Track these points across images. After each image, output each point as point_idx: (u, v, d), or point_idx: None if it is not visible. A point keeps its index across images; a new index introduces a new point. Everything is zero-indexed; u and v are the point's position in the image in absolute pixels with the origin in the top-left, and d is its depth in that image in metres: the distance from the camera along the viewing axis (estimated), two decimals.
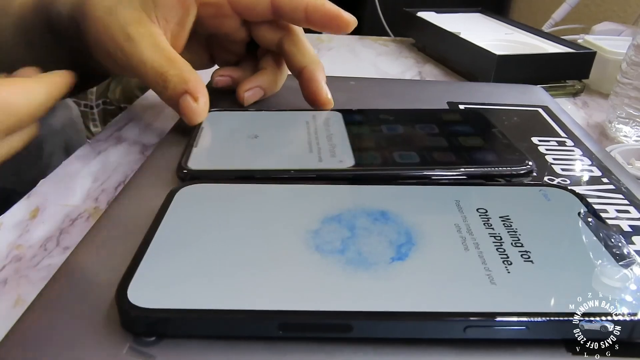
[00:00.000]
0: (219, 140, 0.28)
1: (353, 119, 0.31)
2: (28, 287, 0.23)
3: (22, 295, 0.23)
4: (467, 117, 0.32)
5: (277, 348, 0.16)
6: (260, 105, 0.35)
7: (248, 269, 0.18)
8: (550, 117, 0.35)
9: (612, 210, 0.24)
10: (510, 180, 0.26)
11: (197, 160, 0.26)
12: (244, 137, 0.28)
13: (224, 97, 0.36)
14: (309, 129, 0.29)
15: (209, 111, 0.30)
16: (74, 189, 0.31)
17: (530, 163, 0.26)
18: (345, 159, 0.26)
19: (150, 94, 0.46)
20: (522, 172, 0.26)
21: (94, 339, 0.16)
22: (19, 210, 0.29)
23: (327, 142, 0.28)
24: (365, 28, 1.32)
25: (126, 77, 1.39)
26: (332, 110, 0.32)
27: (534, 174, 0.26)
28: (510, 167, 0.26)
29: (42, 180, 0.32)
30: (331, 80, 0.42)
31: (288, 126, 0.30)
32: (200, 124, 0.29)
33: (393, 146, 0.28)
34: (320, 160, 0.26)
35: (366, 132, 0.29)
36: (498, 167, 0.26)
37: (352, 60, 0.62)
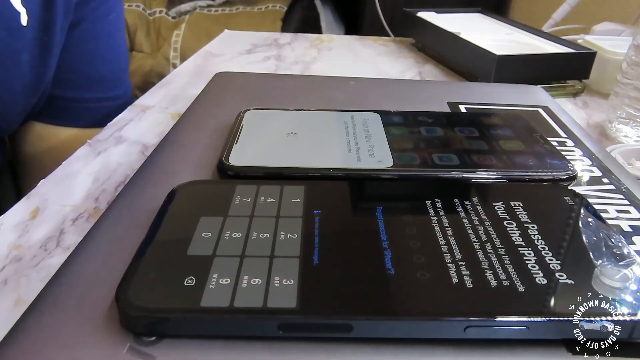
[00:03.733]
0: (259, 138, 0.28)
1: (391, 120, 0.31)
2: (28, 287, 0.23)
3: (22, 295, 0.23)
4: (508, 120, 0.32)
5: (277, 348, 0.16)
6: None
7: (246, 270, 0.18)
8: (551, 117, 0.35)
9: (613, 211, 0.24)
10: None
11: (238, 157, 0.26)
12: (283, 136, 0.29)
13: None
14: (347, 129, 0.30)
15: (249, 110, 0.31)
16: (74, 189, 0.31)
17: (573, 168, 0.26)
18: (384, 160, 0.26)
19: (151, 94, 0.46)
20: (564, 177, 0.26)
21: (94, 339, 0.16)
22: (19, 210, 0.29)
23: (366, 142, 0.28)
24: (365, 28, 1.32)
25: None
26: (370, 111, 0.32)
27: (576, 179, 0.26)
28: (552, 172, 0.26)
29: (42, 180, 0.32)
30: (331, 80, 0.42)
31: (326, 126, 0.30)
32: (241, 122, 0.30)
33: (432, 148, 0.28)
34: (359, 160, 0.26)
35: (405, 134, 0.29)
36: (539, 172, 0.26)
37: (352, 60, 0.62)
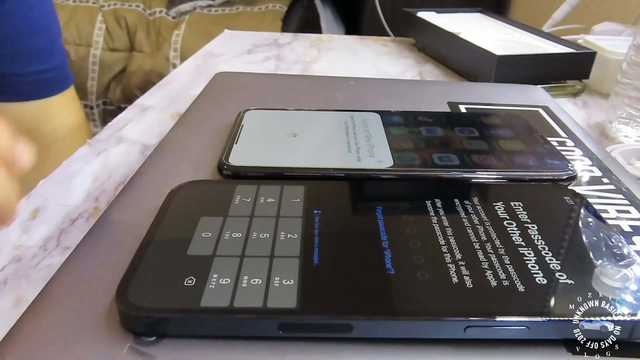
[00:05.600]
0: (259, 138, 0.29)
1: (391, 120, 0.31)
2: (28, 287, 0.23)
3: (22, 295, 0.23)
4: (508, 120, 0.32)
5: (277, 348, 0.16)
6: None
7: (246, 270, 0.18)
8: (551, 117, 0.35)
9: (613, 211, 0.24)
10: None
11: (238, 157, 0.26)
12: (283, 136, 0.29)
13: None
14: (347, 129, 0.30)
15: (249, 110, 0.31)
16: (74, 189, 0.31)
17: (573, 168, 0.26)
18: (384, 160, 0.26)
19: (151, 94, 0.46)
20: (564, 177, 0.26)
21: (94, 339, 0.16)
22: (19, 210, 0.29)
23: (366, 142, 0.28)
24: (365, 28, 1.32)
25: (126, 77, 1.40)
26: (370, 111, 0.32)
27: (576, 179, 0.26)
28: (552, 172, 0.26)
29: (42, 180, 0.32)
30: (331, 80, 0.42)
31: (326, 126, 0.30)
32: (241, 122, 0.30)
33: (432, 148, 0.28)
34: (359, 160, 0.26)
35: (405, 134, 0.29)
36: (539, 172, 0.26)
37: (352, 60, 0.62)
